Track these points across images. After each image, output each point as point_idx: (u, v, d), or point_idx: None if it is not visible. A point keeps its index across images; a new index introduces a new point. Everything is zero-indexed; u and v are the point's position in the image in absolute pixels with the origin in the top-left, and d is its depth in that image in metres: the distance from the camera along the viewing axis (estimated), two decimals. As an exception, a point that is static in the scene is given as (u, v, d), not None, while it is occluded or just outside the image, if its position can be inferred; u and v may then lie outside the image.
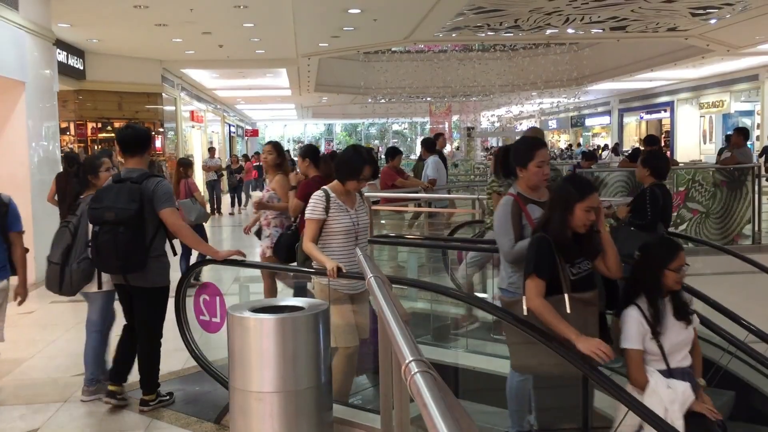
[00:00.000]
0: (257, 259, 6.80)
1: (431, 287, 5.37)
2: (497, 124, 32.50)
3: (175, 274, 5.19)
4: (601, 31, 18.21)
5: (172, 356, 5.82)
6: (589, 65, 23.69)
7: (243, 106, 35.07)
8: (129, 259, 4.50)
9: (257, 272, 6.83)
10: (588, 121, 39.80)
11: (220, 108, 30.49)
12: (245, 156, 29.61)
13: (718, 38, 18.30)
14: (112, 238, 4.46)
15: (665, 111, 31.41)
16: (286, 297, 5.87)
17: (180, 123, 20.86)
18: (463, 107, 32.14)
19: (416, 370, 1.66)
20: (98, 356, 5.10)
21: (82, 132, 17.23)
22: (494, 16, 15.90)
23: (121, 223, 4.45)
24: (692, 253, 9.55)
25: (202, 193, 10.46)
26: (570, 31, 18.22)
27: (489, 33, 18.49)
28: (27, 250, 5.09)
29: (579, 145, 37.82)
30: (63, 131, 15.76)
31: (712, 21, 16.62)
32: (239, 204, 21.52)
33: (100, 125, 17.45)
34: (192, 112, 23.49)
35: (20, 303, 5.04)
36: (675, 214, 10.57)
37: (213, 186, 20.04)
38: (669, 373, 3.38)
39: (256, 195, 6.46)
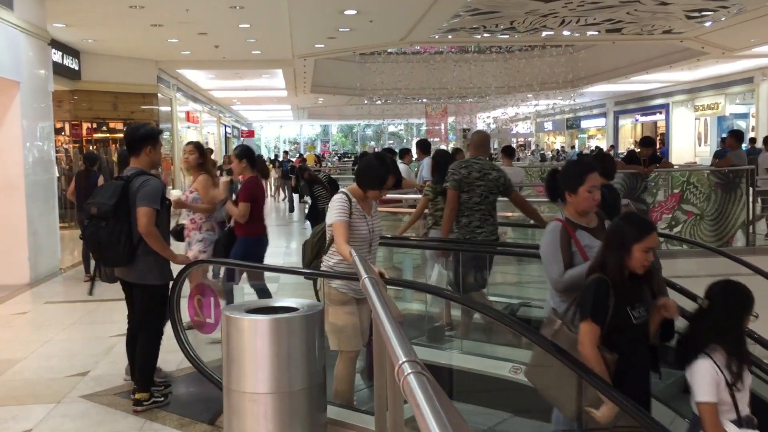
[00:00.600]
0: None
1: (424, 288, 5.37)
2: (493, 126, 32.55)
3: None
4: (596, 33, 18.25)
5: (168, 357, 5.81)
6: (584, 67, 23.76)
7: (239, 106, 35.05)
8: (109, 252, 4.65)
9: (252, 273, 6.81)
10: (583, 123, 39.88)
11: (215, 109, 30.46)
12: None
13: (713, 41, 18.35)
14: (95, 232, 4.65)
15: (660, 113, 31.49)
16: (281, 298, 5.86)
17: (176, 124, 20.83)
18: (459, 109, 32.21)
19: (409, 371, 1.65)
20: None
21: (77, 132, 17.18)
22: (490, 17, 15.92)
23: (101, 217, 4.61)
24: (686, 255, 9.61)
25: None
26: (566, 33, 18.26)
27: (485, 35, 18.51)
28: None
29: (573, 147, 37.92)
30: (58, 131, 15.71)
31: (708, 23, 16.67)
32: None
33: (95, 125, 17.41)
34: (188, 113, 23.47)
35: None
36: (669, 216, 10.61)
37: None
38: (739, 422, 3.15)
39: (175, 193, 6.33)
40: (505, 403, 5.00)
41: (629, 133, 35.34)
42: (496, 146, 27.95)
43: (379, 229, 4.47)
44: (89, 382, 5.47)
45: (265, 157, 37.83)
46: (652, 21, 16.44)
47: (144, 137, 4.89)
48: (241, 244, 6.12)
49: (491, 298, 6.59)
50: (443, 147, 20.94)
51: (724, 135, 17.41)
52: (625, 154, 14.81)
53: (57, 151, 14.22)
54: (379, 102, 27.92)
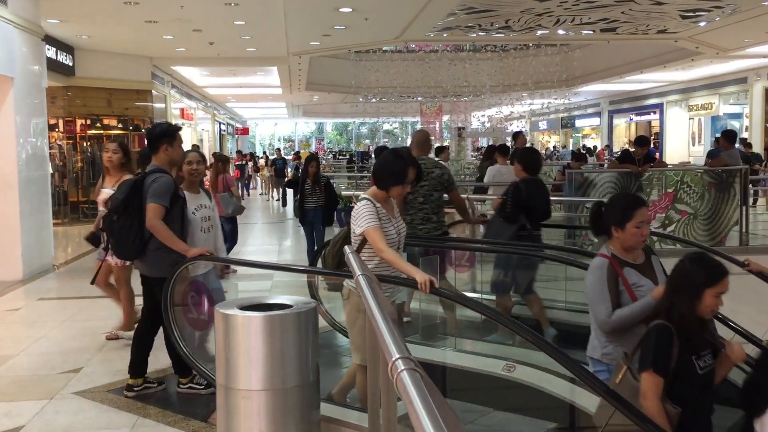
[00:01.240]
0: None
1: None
2: (488, 125, 32.52)
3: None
4: (591, 32, 18.28)
5: (161, 353, 5.80)
6: (579, 66, 23.77)
7: (233, 104, 34.98)
8: (121, 245, 4.90)
9: (251, 270, 6.80)
10: (578, 123, 39.96)
11: (210, 106, 30.39)
12: (239, 152, 29.61)
13: (707, 41, 18.40)
14: (109, 225, 4.98)
15: (654, 113, 31.57)
16: (275, 295, 5.85)
17: (170, 120, 20.76)
18: (453, 107, 32.19)
19: (403, 367, 1.65)
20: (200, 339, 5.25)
21: (71, 129, 17.13)
22: (485, 16, 15.93)
23: (114, 211, 4.87)
24: (680, 254, 9.63)
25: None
26: (561, 32, 18.28)
27: (480, 33, 18.52)
28: None
29: (564, 147, 38.00)
30: (52, 128, 15.65)
31: (702, 23, 16.71)
32: None
33: (89, 122, 17.35)
34: (182, 110, 23.41)
35: None
36: (663, 215, 10.64)
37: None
38: None
39: (106, 192, 6.19)
40: (498, 401, 5.00)
41: (623, 132, 35.42)
42: (490, 143, 27.95)
43: (404, 231, 4.34)
44: (82, 378, 5.46)
45: (260, 154, 37.83)
46: (646, 21, 16.48)
47: (160, 135, 5.00)
48: None
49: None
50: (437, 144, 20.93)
51: (717, 135, 17.45)
52: (619, 153, 14.84)
53: (50, 148, 14.17)
54: (374, 100, 27.87)
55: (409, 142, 26.86)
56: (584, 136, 40.12)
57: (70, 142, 17.00)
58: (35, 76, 10.60)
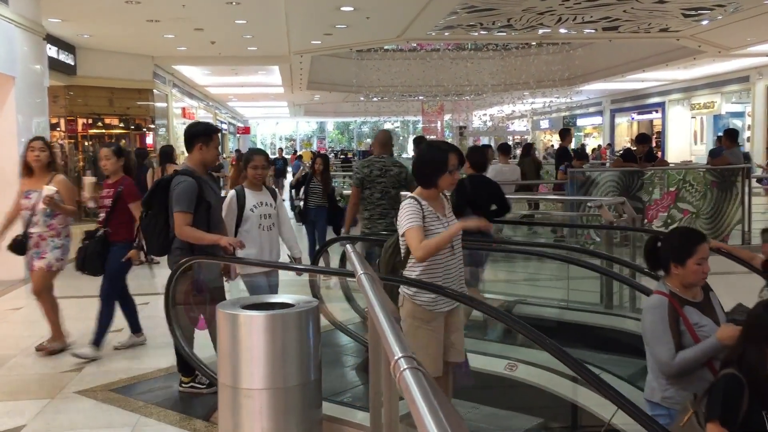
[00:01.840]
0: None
1: (423, 286, 5.34)
2: (489, 124, 32.50)
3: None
4: (593, 31, 18.25)
5: (162, 353, 5.80)
6: (581, 65, 23.74)
7: (235, 103, 34.99)
8: (148, 242, 5.02)
9: (251, 269, 6.76)
10: (580, 122, 39.88)
11: (211, 105, 30.40)
12: (238, 151, 29.58)
13: (709, 39, 18.37)
14: (140, 222, 5.21)
15: (656, 112, 31.51)
16: (275, 294, 5.85)
17: (171, 120, 20.78)
18: (455, 106, 32.16)
19: (405, 366, 1.64)
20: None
21: (73, 128, 17.10)
22: (487, 15, 15.90)
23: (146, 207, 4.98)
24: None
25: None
26: (562, 31, 18.25)
27: (482, 32, 18.49)
28: None
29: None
30: (53, 127, 15.64)
31: (704, 22, 16.68)
32: None
33: (90, 121, 17.33)
34: (183, 109, 23.40)
35: None
36: (665, 214, 10.62)
37: None
38: None
39: (49, 189, 6.03)
40: (500, 400, 4.99)
41: (625, 131, 35.35)
42: (492, 143, 27.93)
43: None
44: (84, 377, 5.46)
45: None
46: (648, 19, 16.44)
47: (196, 134, 4.92)
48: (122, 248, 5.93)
49: (486, 295, 6.60)
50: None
51: (720, 133, 17.43)
52: (621, 152, 14.83)
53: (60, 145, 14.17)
54: (375, 99, 27.86)
55: (410, 142, 26.84)
56: (586, 135, 40.05)
57: (72, 141, 16.98)
58: (37, 75, 10.59)
